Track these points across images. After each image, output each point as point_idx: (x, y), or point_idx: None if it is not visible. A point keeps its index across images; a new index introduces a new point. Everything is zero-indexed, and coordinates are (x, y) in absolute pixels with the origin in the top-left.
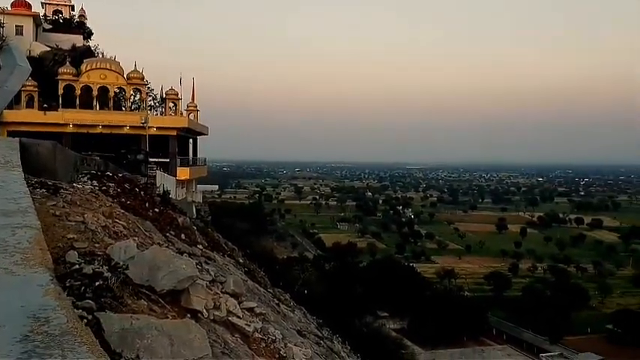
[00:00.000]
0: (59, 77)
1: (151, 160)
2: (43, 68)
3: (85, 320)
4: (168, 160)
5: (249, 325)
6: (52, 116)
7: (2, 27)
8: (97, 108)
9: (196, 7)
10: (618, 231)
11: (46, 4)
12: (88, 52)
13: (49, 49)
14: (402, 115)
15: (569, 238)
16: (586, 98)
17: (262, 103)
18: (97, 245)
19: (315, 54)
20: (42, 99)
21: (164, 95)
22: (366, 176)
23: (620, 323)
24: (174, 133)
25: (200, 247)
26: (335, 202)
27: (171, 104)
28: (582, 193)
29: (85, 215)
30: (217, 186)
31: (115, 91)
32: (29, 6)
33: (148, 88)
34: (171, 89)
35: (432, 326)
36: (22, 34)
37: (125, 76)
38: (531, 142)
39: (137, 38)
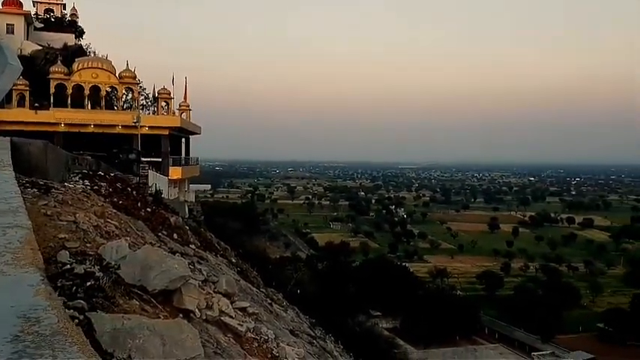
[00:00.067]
0: (51, 76)
1: (143, 159)
2: (35, 67)
3: (77, 320)
4: (160, 159)
5: (242, 325)
6: (43, 115)
7: None
8: (89, 107)
9: (196, 7)
10: (609, 230)
11: (37, 2)
12: (80, 51)
13: (40, 47)
14: (402, 115)
15: (560, 237)
16: (586, 98)
17: (262, 103)
18: (88, 245)
19: (315, 54)
20: (33, 98)
21: (156, 94)
22: (359, 176)
23: (611, 322)
24: (167, 132)
25: (192, 246)
26: (328, 202)
27: (163, 103)
28: (574, 193)
29: (77, 215)
30: (210, 185)
31: (106, 90)
32: (20, 4)
33: (140, 87)
34: (164, 88)
35: (424, 325)
36: (13, 32)
37: (117, 75)
38: (531, 142)
39: (137, 38)
